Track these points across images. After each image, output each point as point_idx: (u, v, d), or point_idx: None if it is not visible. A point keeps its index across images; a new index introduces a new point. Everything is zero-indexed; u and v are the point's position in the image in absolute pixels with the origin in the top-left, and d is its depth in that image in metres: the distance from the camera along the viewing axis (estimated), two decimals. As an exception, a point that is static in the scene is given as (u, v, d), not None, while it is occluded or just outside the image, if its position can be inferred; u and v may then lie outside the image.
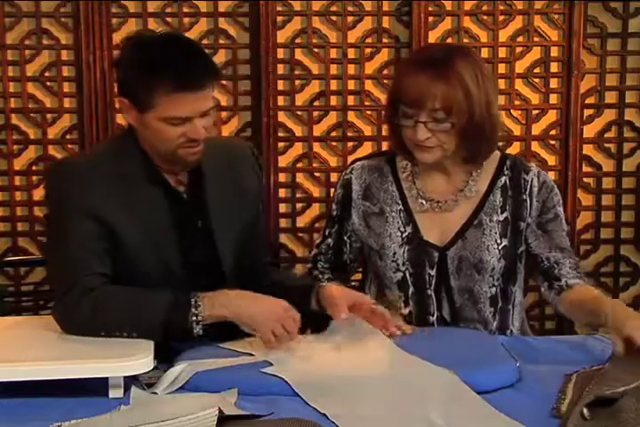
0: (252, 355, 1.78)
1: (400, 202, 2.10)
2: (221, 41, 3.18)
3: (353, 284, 2.30)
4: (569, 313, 2.05)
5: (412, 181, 2.11)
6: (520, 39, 3.22)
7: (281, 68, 3.20)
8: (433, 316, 2.09)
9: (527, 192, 2.09)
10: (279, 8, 3.16)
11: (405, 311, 2.04)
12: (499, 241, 2.07)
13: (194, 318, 1.78)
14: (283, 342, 1.78)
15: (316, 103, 3.23)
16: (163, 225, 1.93)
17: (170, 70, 1.82)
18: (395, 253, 2.08)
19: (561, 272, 2.05)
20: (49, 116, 3.18)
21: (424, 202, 2.09)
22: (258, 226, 2.16)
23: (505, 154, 2.16)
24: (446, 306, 2.09)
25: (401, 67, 2.12)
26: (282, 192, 3.25)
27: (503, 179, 2.10)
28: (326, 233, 2.21)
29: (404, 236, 2.08)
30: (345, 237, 2.18)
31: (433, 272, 2.08)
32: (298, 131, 3.23)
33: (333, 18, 3.19)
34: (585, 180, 3.30)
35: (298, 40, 3.19)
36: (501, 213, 2.08)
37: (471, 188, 2.09)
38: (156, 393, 1.66)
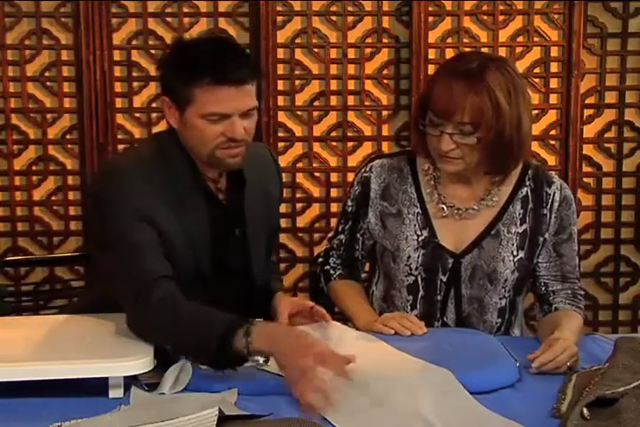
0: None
1: (418, 205, 2.08)
2: (221, 41, 3.18)
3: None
4: (538, 332, 2.08)
5: (433, 185, 2.08)
6: (520, 39, 3.22)
7: (281, 68, 3.20)
8: (438, 322, 2.09)
9: (548, 207, 2.07)
10: (279, 8, 3.16)
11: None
12: (515, 253, 2.05)
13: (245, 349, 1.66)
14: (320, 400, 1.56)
15: (316, 103, 3.23)
16: (201, 231, 1.91)
17: (208, 64, 1.81)
18: (409, 257, 2.06)
19: (555, 300, 2.08)
20: (49, 116, 3.18)
21: (445, 207, 2.07)
22: (277, 233, 2.19)
23: (527, 163, 2.12)
24: (452, 313, 2.08)
25: (435, 73, 2.08)
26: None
27: (525, 190, 2.08)
28: (339, 229, 2.19)
29: (419, 240, 2.06)
30: (358, 235, 2.16)
31: (445, 279, 2.06)
32: (298, 131, 3.23)
33: (333, 18, 3.19)
34: (585, 180, 3.30)
35: (298, 40, 3.19)
36: (520, 224, 2.06)
37: (493, 197, 2.07)
38: (164, 393, 1.66)
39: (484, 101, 1.90)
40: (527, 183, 2.09)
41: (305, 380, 1.56)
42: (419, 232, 2.07)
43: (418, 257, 2.06)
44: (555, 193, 2.08)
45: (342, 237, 2.19)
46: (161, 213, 1.85)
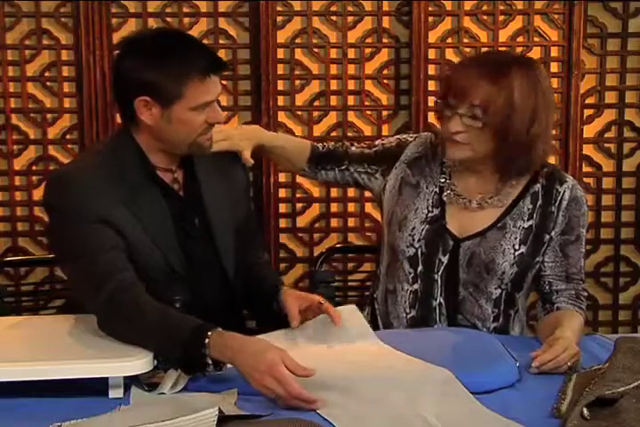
0: None
1: (437, 185, 2.13)
2: (221, 41, 3.18)
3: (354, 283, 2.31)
4: (538, 331, 2.08)
5: (448, 174, 2.14)
6: (520, 39, 3.22)
7: (281, 68, 3.20)
8: (436, 300, 2.11)
9: (556, 204, 2.09)
10: (279, 8, 3.16)
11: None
12: (516, 247, 2.07)
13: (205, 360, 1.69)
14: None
15: (316, 103, 3.23)
16: (163, 225, 1.92)
17: (193, 58, 1.85)
18: (414, 228, 2.10)
19: (557, 299, 2.09)
20: (49, 116, 3.18)
21: (456, 197, 2.10)
22: (251, 222, 2.17)
23: (544, 163, 2.13)
24: (450, 294, 2.10)
25: (462, 60, 2.17)
26: (282, 192, 3.25)
27: (536, 186, 2.10)
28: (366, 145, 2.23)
29: (428, 215, 2.11)
30: (352, 169, 2.22)
31: (444, 259, 2.09)
32: (298, 131, 3.23)
33: (333, 18, 3.19)
34: (585, 180, 3.30)
35: (298, 40, 3.19)
36: (527, 220, 2.08)
37: (504, 196, 2.10)
38: (164, 393, 1.66)
39: (499, 88, 1.95)
40: (540, 180, 2.11)
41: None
42: (430, 208, 2.11)
43: (422, 230, 2.10)
44: (565, 192, 2.09)
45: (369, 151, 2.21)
46: (115, 210, 1.85)
